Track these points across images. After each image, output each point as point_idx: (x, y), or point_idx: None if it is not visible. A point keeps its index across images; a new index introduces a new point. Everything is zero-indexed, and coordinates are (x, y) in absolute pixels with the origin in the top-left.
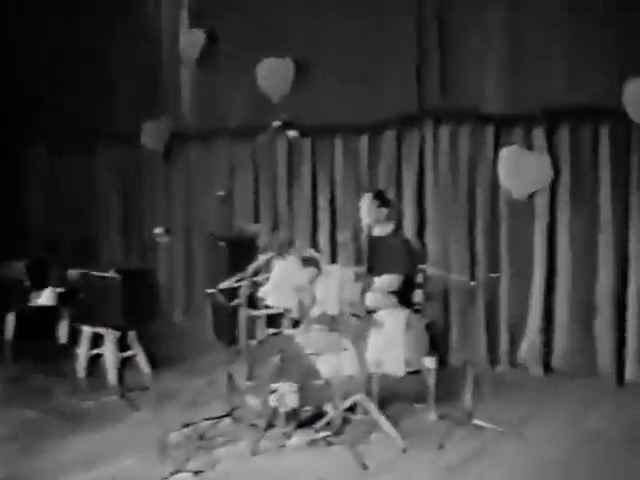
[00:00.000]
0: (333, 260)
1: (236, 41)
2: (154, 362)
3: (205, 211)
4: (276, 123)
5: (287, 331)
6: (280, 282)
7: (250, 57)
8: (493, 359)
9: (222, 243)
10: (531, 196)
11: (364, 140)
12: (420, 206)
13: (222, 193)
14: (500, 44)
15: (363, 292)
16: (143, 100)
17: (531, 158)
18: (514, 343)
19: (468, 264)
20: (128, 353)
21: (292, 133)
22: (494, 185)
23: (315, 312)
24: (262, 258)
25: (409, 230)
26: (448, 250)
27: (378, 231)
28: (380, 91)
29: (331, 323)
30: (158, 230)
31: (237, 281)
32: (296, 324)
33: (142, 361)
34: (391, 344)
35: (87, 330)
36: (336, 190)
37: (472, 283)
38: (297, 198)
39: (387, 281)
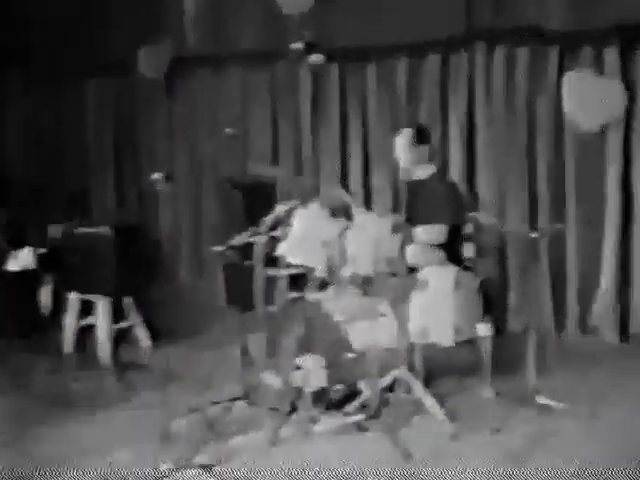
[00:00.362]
0: (367, 208)
1: None
2: (155, 334)
3: (214, 153)
4: (297, 46)
5: (313, 295)
6: (303, 236)
7: None
8: (560, 324)
9: (236, 190)
10: (602, 129)
11: (402, 65)
12: (470, 144)
13: (231, 132)
14: None
15: (403, 246)
16: (139, 19)
17: (602, 84)
18: (584, 305)
19: (528, 212)
20: (124, 324)
21: (315, 57)
22: (558, 117)
23: (346, 272)
24: (281, 208)
25: (456, 172)
26: (504, 195)
27: (418, 174)
28: (421, 6)
29: (365, 284)
30: (156, 176)
31: (251, 236)
32: (324, 286)
33: (141, 333)
34: (438, 308)
35: (74, 297)
36: (369, 125)
37: (533, 234)
38: (323, 135)
39: (431, 232)
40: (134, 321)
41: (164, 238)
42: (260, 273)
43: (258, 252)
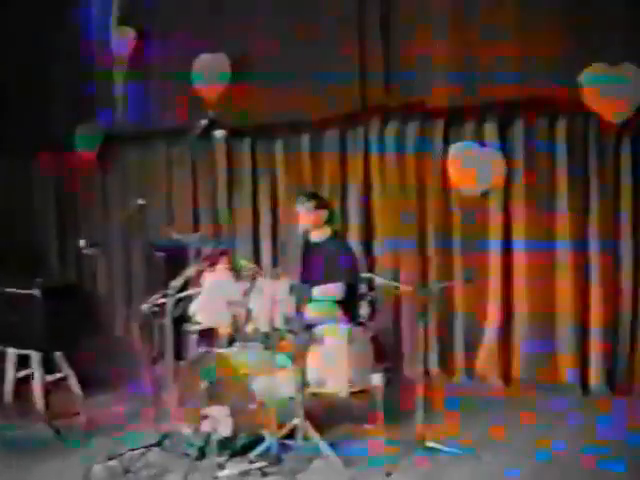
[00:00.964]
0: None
1: (168, 38)
2: (87, 384)
3: (140, 220)
4: (202, 122)
5: (219, 350)
6: (210, 297)
7: (184, 53)
8: (448, 371)
9: (160, 253)
10: (484, 195)
11: (305, 140)
12: (367, 210)
13: (142, 202)
14: (446, 34)
15: (300, 305)
16: (76, 102)
17: (483, 154)
18: (471, 353)
19: (419, 271)
20: (57, 376)
21: (219, 133)
22: (445, 184)
23: (249, 329)
24: (190, 270)
25: (354, 235)
26: (397, 256)
27: (316, 236)
28: (321, 88)
29: (266, 340)
30: (82, 242)
31: (161, 297)
32: (232, 342)
33: (73, 384)
34: (333, 361)
35: (11, 352)
36: (278, 193)
37: (420, 293)
38: (237, 202)
39: (329, 290)
40: (66, 373)
41: (103, 295)
42: (169, 331)
43: (167, 311)
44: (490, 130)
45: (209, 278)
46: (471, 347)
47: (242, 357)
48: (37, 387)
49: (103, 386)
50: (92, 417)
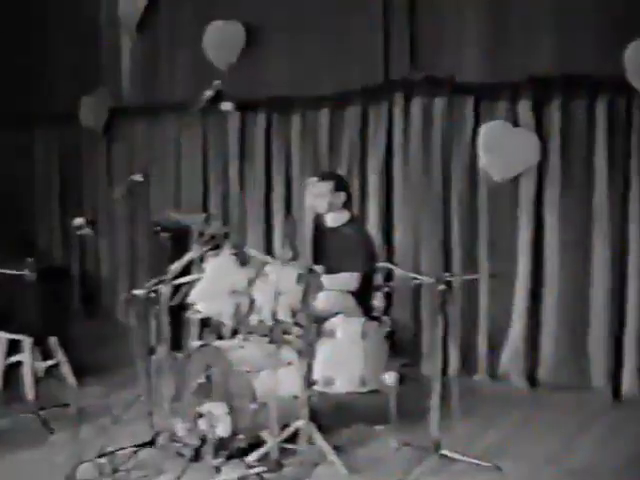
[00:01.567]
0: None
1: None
2: (81, 372)
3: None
4: (207, 93)
5: (218, 342)
6: (212, 284)
7: (196, 21)
8: (470, 369)
9: (165, 234)
10: (515, 180)
11: (324, 116)
12: (387, 193)
13: (140, 179)
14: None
15: (308, 295)
16: (80, 72)
17: (516, 135)
18: (495, 351)
19: (441, 261)
20: (49, 362)
21: (226, 106)
22: (473, 168)
23: (253, 320)
24: (191, 254)
25: (373, 221)
26: (419, 245)
27: (332, 220)
28: (342, 60)
29: (271, 333)
30: (78, 221)
31: (157, 284)
32: (234, 334)
33: (66, 371)
34: (344, 358)
35: (1, 336)
36: (292, 173)
37: (441, 287)
38: (249, 182)
39: (343, 280)
40: (59, 359)
41: (105, 277)
42: (165, 319)
43: (163, 299)
44: (524, 109)
45: (212, 263)
46: (495, 345)
47: (244, 351)
48: (27, 374)
49: (99, 374)
50: (83, 409)
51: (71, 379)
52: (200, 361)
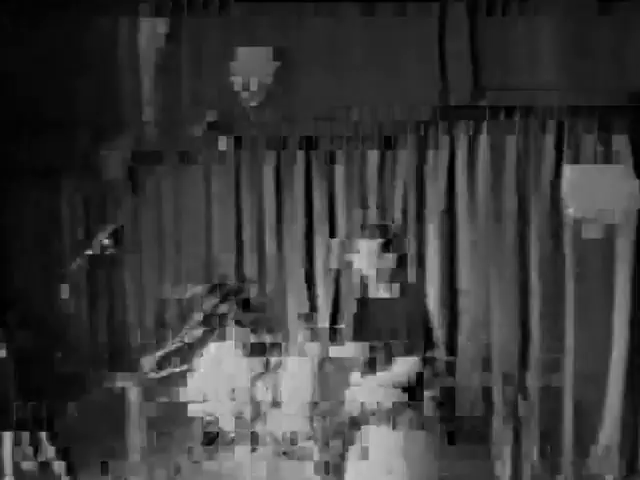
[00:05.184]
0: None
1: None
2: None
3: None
4: (203, 125)
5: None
6: (207, 380)
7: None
8: (554, 468)
9: None
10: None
11: (373, 154)
12: (450, 246)
13: (105, 241)
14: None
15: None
16: (99, 117)
17: (610, 176)
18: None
19: (517, 345)
20: (33, 463)
21: (220, 143)
22: (556, 216)
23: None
24: (173, 343)
25: (434, 281)
26: (487, 319)
27: (380, 289)
28: (392, 87)
29: (289, 446)
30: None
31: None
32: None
33: (59, 468)
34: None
35: None
36: (336, 225)
37: (521, 399)
38: (287, 237)
39: (402, 369)
40: (49, 456)
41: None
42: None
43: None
44: (619, 142)
45: (210, 351)
46: (583, 439)
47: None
48: (8, 476)
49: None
50: None
51: (64, 475)
52: None
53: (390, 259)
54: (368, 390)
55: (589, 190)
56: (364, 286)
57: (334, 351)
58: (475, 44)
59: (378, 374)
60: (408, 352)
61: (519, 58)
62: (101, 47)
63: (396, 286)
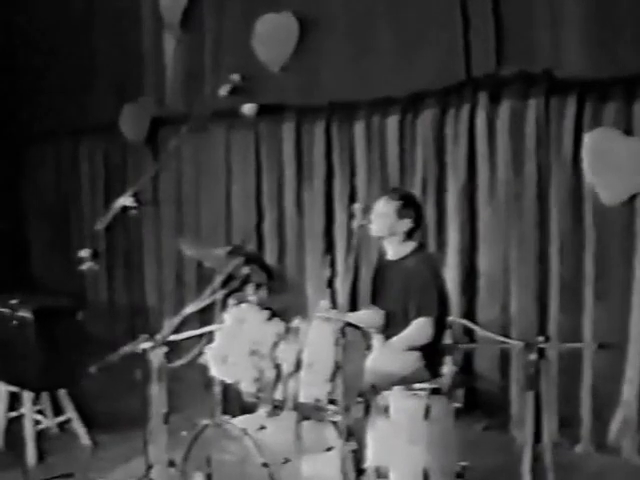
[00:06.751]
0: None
1: None
2: (99, 428)
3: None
4: (223, 91)
5: (231, 421)
6: (229, 342)
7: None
8: (572, 437)
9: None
10: (629, 203)
11: (393, 122)
12: (471, 217)
13: (131, 204)
14: None
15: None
16: (123, 80)
17: (632, 145)
18: (601, 417)
19: (536, 309)
20: (55, 420)
21: (248, 108)
22: (576, 186)
23: (280, 391)
24: (191, 308)
25: (453, 252)
26: (507, 287)
27: (393, 251)
28: (413, 52)
29: (313, 410)
30: (84, 253)
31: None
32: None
33: (79, 429)
34: (400, 444)
35: (2, 388)
36: (357, 191)
37: (532, 357)
38: (304, 201)
39: (412, 334)
40: (70, 416)
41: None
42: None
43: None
44: None
45: (231, 314)
46: (601, 411)
47: (265, 434)
48: (28, 433)
49: (118, 431)
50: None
51: (84, 438)
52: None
53: (405, 223)
54: (388, 355)
55: (609, 157)
56: (382, 250)
57: (354, 316)
58: (498, 12)
59: (394, 338)
60: (421, 313)
61: (542, 27)
62: (124, 7)
63: (408, 246)
